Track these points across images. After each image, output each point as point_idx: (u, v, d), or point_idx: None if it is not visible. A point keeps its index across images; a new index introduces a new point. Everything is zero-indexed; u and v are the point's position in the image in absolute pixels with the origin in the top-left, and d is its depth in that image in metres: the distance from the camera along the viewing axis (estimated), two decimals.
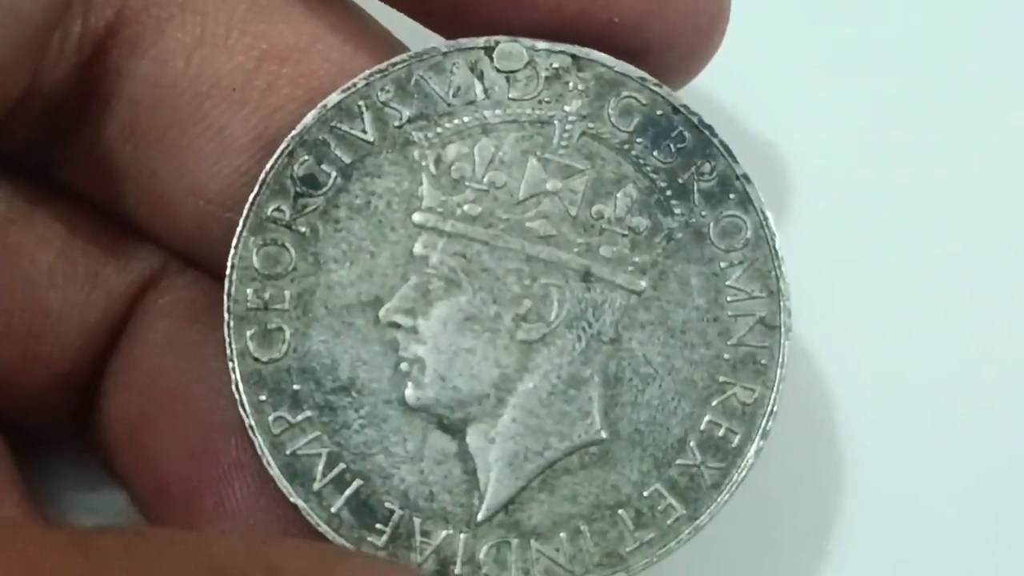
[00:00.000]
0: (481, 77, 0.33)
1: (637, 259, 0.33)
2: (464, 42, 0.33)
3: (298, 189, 0.33)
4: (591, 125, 0.33)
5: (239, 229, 0.33)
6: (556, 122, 0.33)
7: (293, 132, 0.33)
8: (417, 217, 0.33)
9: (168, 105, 0.34)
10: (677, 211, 0.33)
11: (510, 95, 0.33)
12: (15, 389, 0.36)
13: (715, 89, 0.37)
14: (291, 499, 0.33)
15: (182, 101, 0.34)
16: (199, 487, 0.34)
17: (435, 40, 0.34)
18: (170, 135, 0.34)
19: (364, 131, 0.33)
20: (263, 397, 0.33)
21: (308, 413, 0.33)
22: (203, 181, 0.34)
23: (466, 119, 0.33)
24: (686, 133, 0.34)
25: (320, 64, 0.34)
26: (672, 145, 0.34)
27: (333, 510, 0.33)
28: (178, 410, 0.35)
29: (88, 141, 0.35)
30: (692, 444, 0.33)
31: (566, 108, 0.33)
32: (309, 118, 0.33)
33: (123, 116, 0.34)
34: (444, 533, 0.33)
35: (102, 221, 0.36)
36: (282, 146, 0.33)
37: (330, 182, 0.33)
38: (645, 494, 0.33)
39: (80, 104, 0.34)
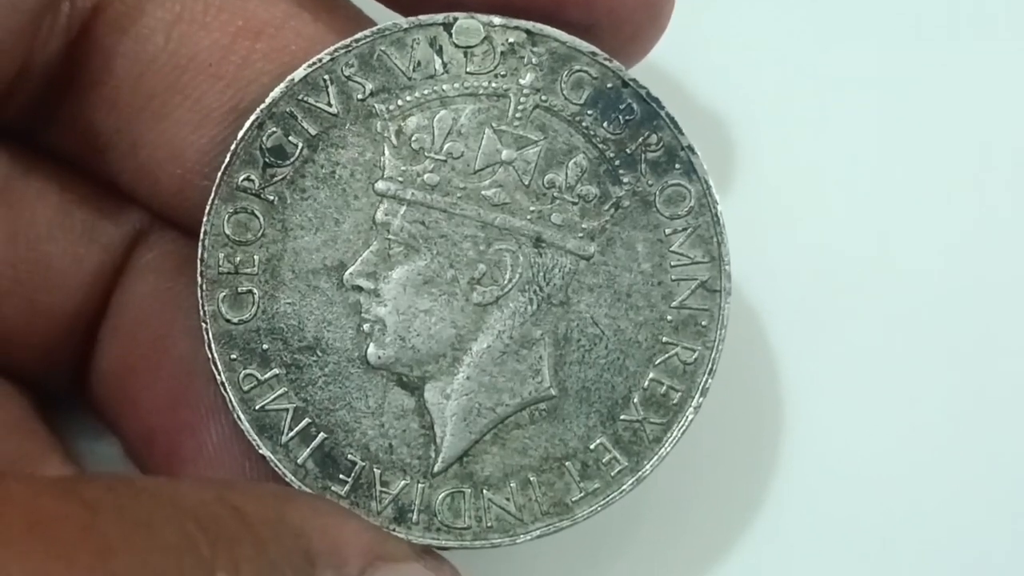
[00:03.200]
0: (440, 52, 0.35)
1: (586, 225, 0.35)
2: (424, 18, 0.35)
3: (267, 159, 0.35)
4: (544, 98, 0.35)
5: (211, 197, 0.35)
6: (511, 95, 0.35)
7: (262, 105, 0.35)
8: (379, 186, 0.35)
9: (149, 79, 0.36)
10: (625, 180, 0.35)
11: (468, 69, 0.35)
12: (22, 340, 0.38)
13: (663, 64, 0.38)
14: (260, 451, 0.35)
15: (162, 75, 0.36)
16: (180, 432, 0.37)
17: (397, 18, 0.36)
18: (151, 107, 0.36)
19: (329, 104, 0.35)
20: (234, 356, 0.35)
21: (276, 371, 0.35)
22: (181, 150, 0.36)
23: (426, 92, 0.35)
24: (634, 105, 0.35)
25: (293, 39, 0.35)
26: (621, 117, 0.35)
27: (299, 461, 0.35)
28: (161, 359, 0.37)
29: (76, 113, 0.36)
30: (636, 401, 0.35)
31: (521, 81, 0.35)
32: (277, 92, 0.35)
33: (107, 89, 0.36)
34: (402, 483, 0.35)
35: (93, 182, 0.38)
36: (252, 118, 0.35)
37: (297, 153, 0.35)
38: (591, 447, 0.35)
39: (68, 79, 0.36)
